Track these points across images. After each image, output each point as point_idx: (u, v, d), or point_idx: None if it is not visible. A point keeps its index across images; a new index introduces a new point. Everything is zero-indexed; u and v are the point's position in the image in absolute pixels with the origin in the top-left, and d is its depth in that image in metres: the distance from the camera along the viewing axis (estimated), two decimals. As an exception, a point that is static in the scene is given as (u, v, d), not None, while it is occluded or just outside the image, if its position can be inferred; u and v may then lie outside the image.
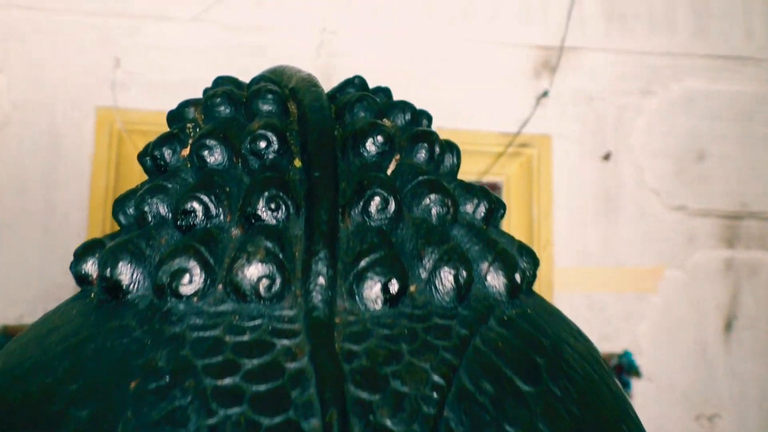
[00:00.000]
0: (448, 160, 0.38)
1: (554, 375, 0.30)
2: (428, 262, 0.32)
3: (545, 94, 2.12)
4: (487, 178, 2.11)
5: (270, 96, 0.37)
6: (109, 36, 1.81)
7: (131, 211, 0.35)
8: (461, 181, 0.37)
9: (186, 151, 0.36)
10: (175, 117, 0.39)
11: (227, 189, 0.34)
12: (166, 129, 0.40)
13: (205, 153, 0.35)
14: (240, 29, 1.85)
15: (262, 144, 0.34)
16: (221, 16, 1.83)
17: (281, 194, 0.32)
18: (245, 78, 0.43)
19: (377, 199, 0.33)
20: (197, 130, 0.37)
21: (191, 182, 0.35)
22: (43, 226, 1.77)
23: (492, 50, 2.01)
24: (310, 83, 0.39)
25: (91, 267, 0.33)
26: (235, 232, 0.33)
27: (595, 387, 0.31)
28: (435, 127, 1.60)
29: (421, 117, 0.41)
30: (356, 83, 0.41)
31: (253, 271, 0.30)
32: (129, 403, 0.25)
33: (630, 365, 2.08)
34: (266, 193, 0.32)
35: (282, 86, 0.41)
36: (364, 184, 0.33)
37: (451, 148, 0.39)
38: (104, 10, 1.81)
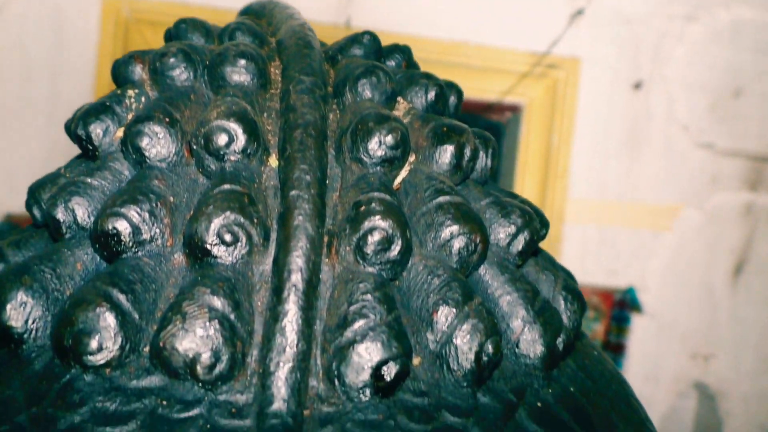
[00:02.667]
0: (481, 162, 0.28)
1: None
2: (441, 329, 0.23)
3: (580, 12, 1.95)
4: (509, 99, 1.98)
5: (242, 61, 0.27)
6: None
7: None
8: (496, 197, 0.27)
9: (121, 133, 0.26)
10: (119, 76, 0.29)
11: (170, 199, 0.24)
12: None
13: (144, 143, 0.25)
14: None
15: (222, 140, 0.24)
16: None
17: (242, 221, 0.23)
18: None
19: (377, 235, 0.23)
20: (141, 101, 0.27)
21: (124, 178, 0.25)
22: (48, 114, 1.72)
23: (527, -43, 1.84)
24: (302, 42, 0.28)
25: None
26: (179, 259, 0.24)
27: None
28: (457, 41, 1.46)
29: (448, 95, 0.30)
30: (365, 42, 0.30)
31: (189, 345, 0.21)
32: None
33: (633, 302, 2.05)
34: (220, 220, 0.23)
35: (265, 36, 0.31)
36: (362, 210, 0.23)
37: (485, 145, 0.28)
38: None
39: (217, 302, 0.21)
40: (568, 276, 0.29)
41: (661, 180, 1.96)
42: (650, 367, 1.99)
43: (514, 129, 1.97)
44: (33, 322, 0.23)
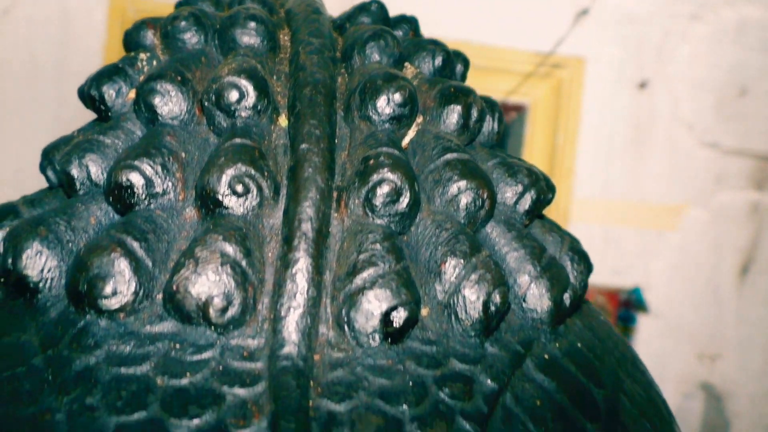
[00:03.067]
0: (487, 125, 0.29)
1: (608, 451, 0.22)
2: (449, 280, 0.23)
3: (585, 11, 1.95)
4: (514, 99, 1.98)
5: (252, 24, 0.27)
6: None
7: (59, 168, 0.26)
8: (503, 158, 0.28)
9: (133, 94, 0.27)
10: (130, 42, 0.29)
11: (182, 155, 0.25)
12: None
13: (156, 101, 0.25)
14: None
15: (233, 96, 0.25)
16: None
17: (252, 172, 0.23)
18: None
19: (386, 187, 0.23)
20: (152, 64, 0.28)
21: (136, 138, 0.26)
22: (54, 115, 1.72)
23: (531, -44, 1.84)
24: (310, 8, 0.28)
25: (-3, 246, 0.25)
26: (190, 214, 0.24)
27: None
28: (460, 40, 1.46)
29: (455, 63, 0.31)
30: (373, 10, 0.31)
31: (201, 288, 0.21)
32: None
33: (638, 302, 2.04)
34: (231, 171, 0.23)
35: (274, 5, 0.31)
36: (370, 164, 0.24)
37: (492, 109, 0.29)
38: None
39: (229, 248, 0.22)
40: (574, 240, 0.29)
41: (666, 179, 1.96)
42: (656, 368, 1.98)
43: (519, 129, 1.97)
44: (48, 272, 0.23)
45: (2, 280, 0.25)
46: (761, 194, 2.02)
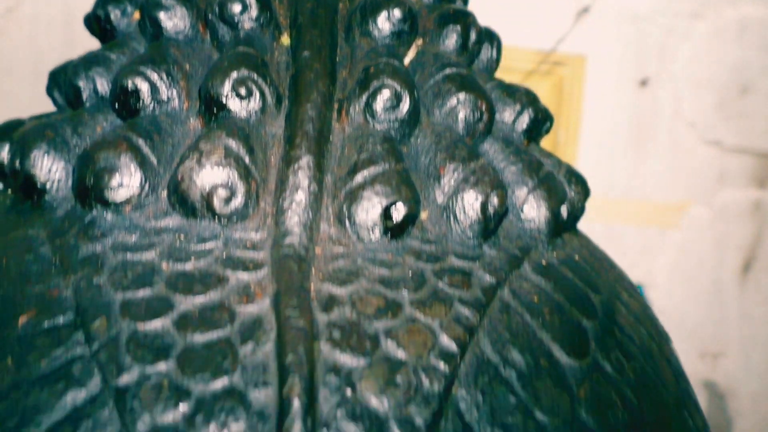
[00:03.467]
0: (486, 52, 0.29)
1: (605, 345, 0.22)
2: (448, 183, 0.24)
3: (586, 9, 1.96)
4: (515, 97, 1.97)
5: (255, -54, 0.28)
6: None
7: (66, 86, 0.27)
8: (500, 81, 0.28)
9: (138, 15, 0.27)
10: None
11: (186, 66, 0.25)
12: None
13: (161, 15, 0.26)
14: None
15: (236, 8, 0.25)
16: None
17: (255, 77, 0.24)
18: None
19: (386, 93, 0.24)
20: (157, -14, 0.28)
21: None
22: (54, 113, 1.72)
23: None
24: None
25: (5, 155, 0.25)
26: (194, 123, 0.25)
27: (654, 362, 0.24)
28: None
29: (454, -3, 0.31)
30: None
31: (206, 178, 0.22)
32: (12, 345, 0.18)
33: (641, 301, 2.02)
34: (235, 74, 0.24)
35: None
36: (371, 72, 0.24)
37: (490, 37, 0.29)
38: None
39: (233, 143, 0.22)
40: (571, 166, 0.30)
41: (668, 177, 1.96)
42: (659, 365, 1.98)
43: (521, 128, 1.98)
44: (55, 173, 0.24)
45: (9, 188, 0.26)
46: (763, 192, 2.02)
